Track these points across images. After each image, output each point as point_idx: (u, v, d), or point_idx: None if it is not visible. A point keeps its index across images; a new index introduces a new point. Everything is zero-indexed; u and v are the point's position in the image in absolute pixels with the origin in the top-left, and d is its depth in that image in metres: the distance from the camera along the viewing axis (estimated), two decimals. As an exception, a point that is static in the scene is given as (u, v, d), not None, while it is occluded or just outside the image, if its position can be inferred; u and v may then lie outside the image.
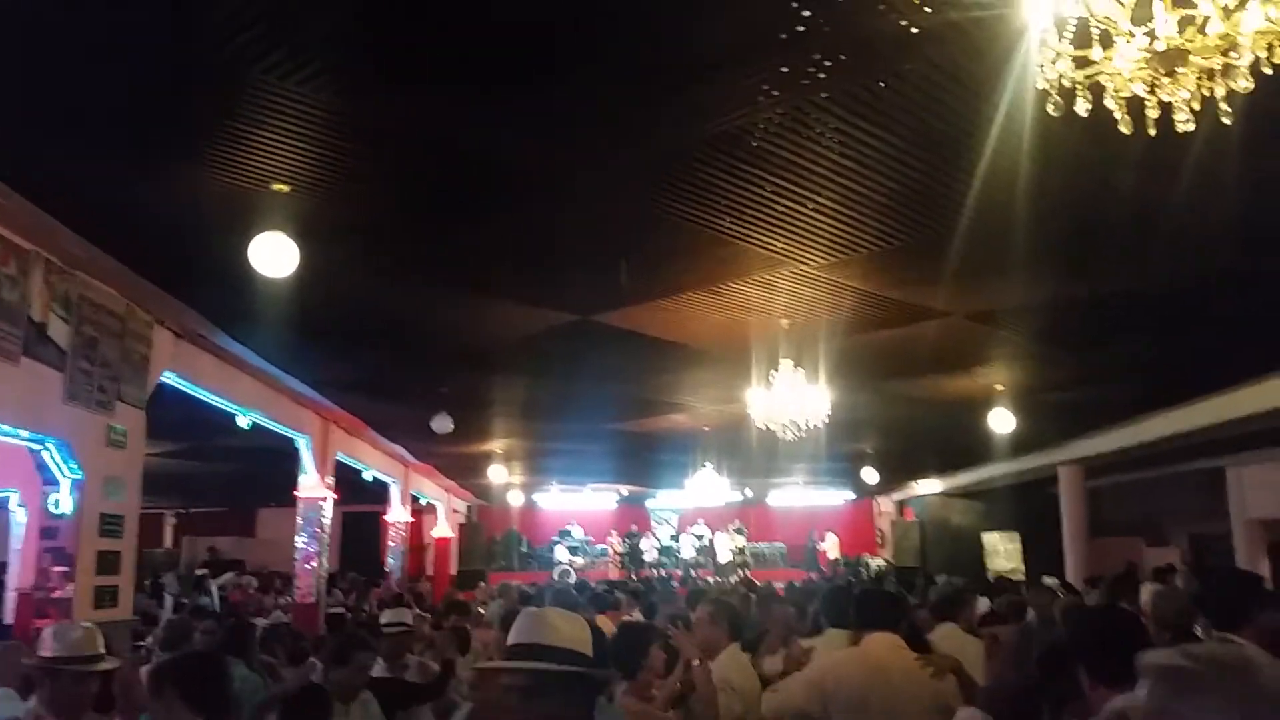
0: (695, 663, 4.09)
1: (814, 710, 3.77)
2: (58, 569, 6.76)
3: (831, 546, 25.44)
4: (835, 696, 3.76)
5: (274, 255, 5.76)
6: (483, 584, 17.79)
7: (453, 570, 23.39)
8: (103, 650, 3.86)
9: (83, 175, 5.32)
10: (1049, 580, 12.25)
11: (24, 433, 6.39)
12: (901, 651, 3.98)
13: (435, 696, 5.28)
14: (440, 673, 5.42)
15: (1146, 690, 1.56)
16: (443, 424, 12.26)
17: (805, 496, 26.43)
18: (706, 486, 18.86)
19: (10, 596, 7.32)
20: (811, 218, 5.87)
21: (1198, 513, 19.71)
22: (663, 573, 23.16)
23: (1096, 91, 2.94)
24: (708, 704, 4.01)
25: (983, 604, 8.85)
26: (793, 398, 9.04)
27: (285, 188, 5.36)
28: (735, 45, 3.98)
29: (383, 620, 5.94)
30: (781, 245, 6.35)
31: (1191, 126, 2.91)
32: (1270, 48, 2.74)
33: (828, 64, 4.09)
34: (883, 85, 4.29)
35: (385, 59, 4.19)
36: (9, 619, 7.17)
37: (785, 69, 4.13)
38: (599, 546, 25.85)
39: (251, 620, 8.76)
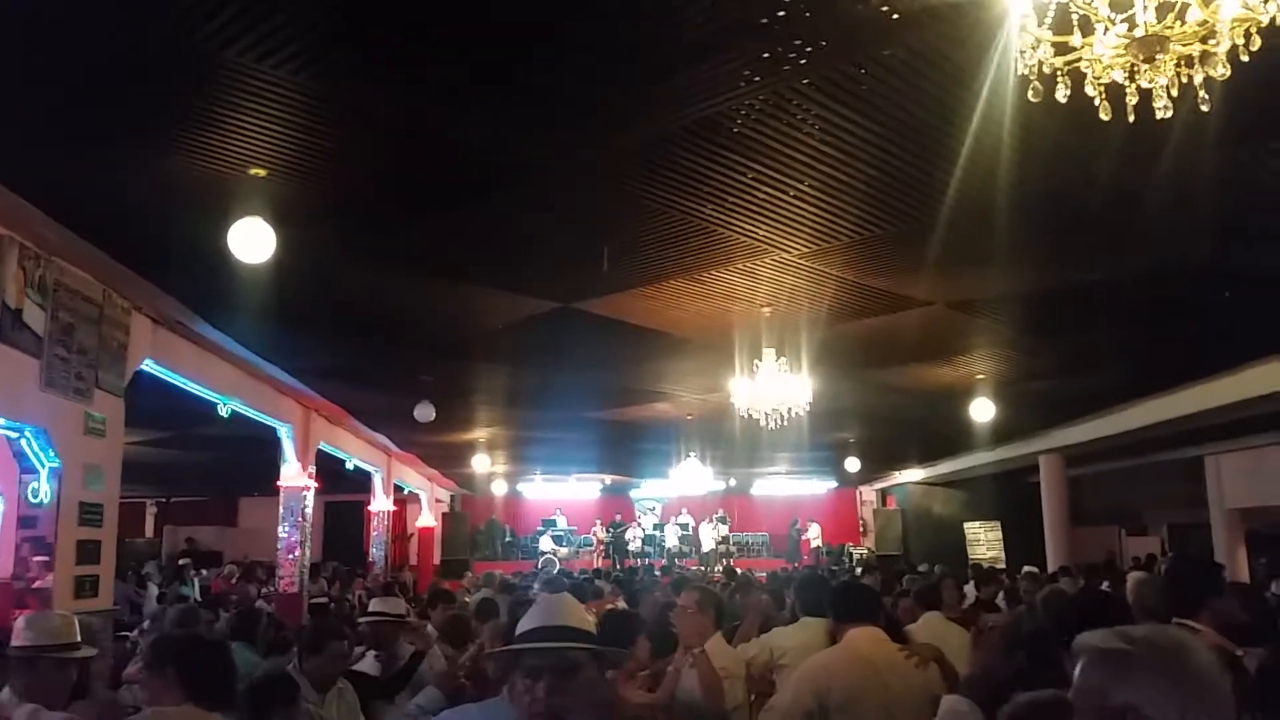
0: (696, 650, 4.11)
1: (811, 709, 3.79)
2: (37, 558, 6.70)
3: (814, 535, 25.54)
4: (830, 695, 3.78)
5: (252, 241, 5.72)
6: (468, 574, 17.78)
7: (436, 560, 23.37)
8: (79, 638, 3.84)
9: (58, 160, 5.26)
10: (1029, 568, 12.40)
11: (0, 420, 6.33)
12: (885, 644, 4.01)
13: (400, 688, 5.21)
14: (407, 662, 5.34)
15: (1082, 671, 1.57)
16: (425, 412, 12.21)
17: (788, 486, 26.54)
18: (690, 476, 18.88)
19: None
20: (793, 205, 5.86)
21: (1176, 502, 19.90)
22: (646, 562, 23.23)
23: (1076, 78, 2.95)
24: (712, 691, 4.02)
25: (969, 591, 8.93)
26: (775, 387, 9.06)
27: (263, 172, 5.31)
28: (716, 30, 3.96)
29: (371, 609, 5.91)
30: (763, 233, 6.34)
31: (1170, 114, 2.93)
32: (1248, 35, 2.76)
33: (808, 49, 4.08)
34: (863, 71, 4.28)
35: (364, 42, 4.15)
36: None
37: (766, 54, 4.12)
38: (583, 536, 25.88)
39: (256, 607, 8.77)
